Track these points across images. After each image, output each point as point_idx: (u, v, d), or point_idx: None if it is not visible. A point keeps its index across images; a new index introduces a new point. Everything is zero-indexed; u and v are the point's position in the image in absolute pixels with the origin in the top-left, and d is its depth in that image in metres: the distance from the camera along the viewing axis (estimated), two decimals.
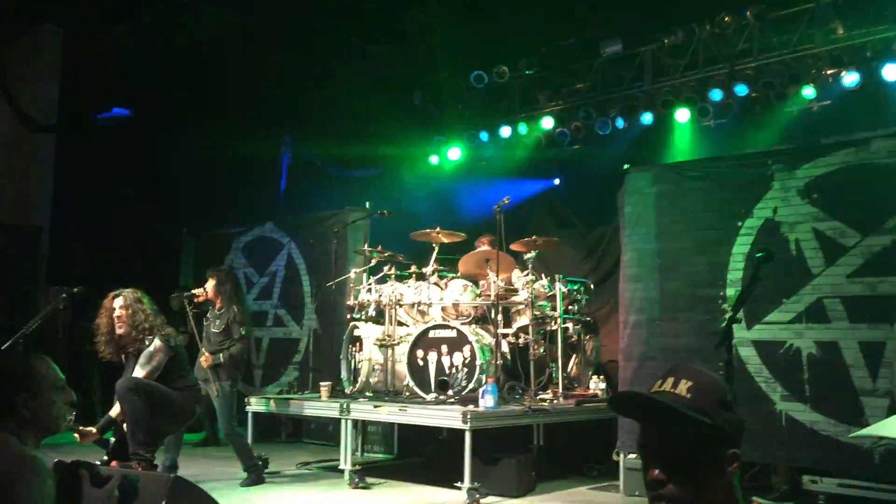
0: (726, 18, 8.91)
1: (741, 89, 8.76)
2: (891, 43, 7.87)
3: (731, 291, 6.17)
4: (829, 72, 8.38)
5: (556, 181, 10.56)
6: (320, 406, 7.35)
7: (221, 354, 6.78)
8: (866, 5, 8.09)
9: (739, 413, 1.76)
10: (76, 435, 5.53)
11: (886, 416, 5.33)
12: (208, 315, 7.08)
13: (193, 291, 7.14)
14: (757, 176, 6.21)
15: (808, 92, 8.48)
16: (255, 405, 7.72)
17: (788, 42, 8.58)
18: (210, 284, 7.03)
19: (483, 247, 8.05)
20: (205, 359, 6.81)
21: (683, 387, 1.73)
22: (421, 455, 8.21)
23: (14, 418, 2.49)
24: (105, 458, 5.58)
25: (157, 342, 5.74)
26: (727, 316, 3.71)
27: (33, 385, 2.54)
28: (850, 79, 8.14)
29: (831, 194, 5.83)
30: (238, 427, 7.15)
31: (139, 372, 5.68)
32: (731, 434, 1.71)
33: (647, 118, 9.55)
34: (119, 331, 5.75)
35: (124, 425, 5.61)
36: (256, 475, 6.79)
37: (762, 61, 8.74)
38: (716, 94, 8.92)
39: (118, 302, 5.79)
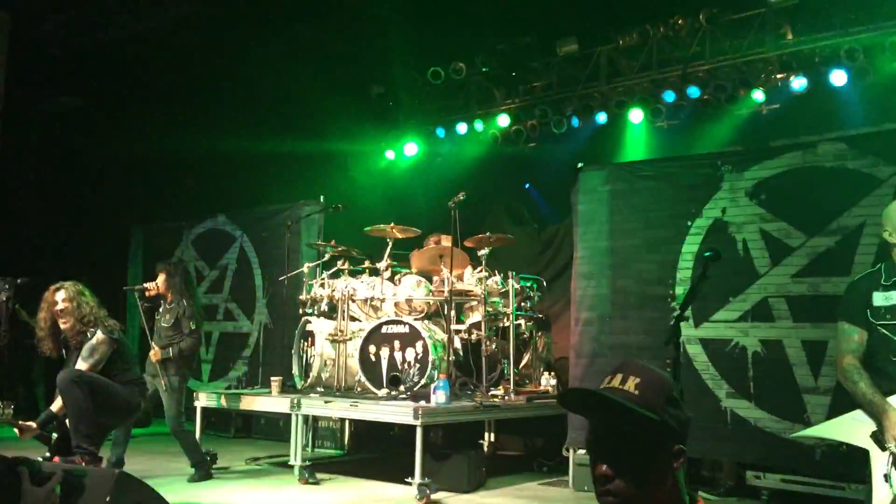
0: (679, 21, 9.04)
1: (693, 91, 8.89)
2: (838, 49, 8.05)
3: (679, 290, 6.28)
4: (778, 76, 8.56)
5: (527, 185, 10.58)
6: (271, 401, 7.28)
7: (171, 349, 6.67)
8: (815, 13, 8.27)
9: (686, 409, 1.78)
10: (16, 430, 5.39)
11: (828, 413, 5.47)
12: (159, 309, 6.96)
13: (144, 285, 7.02)
14: (707, 176, 6.32)
15: (758, 95, 8.64)
16: (204, 400, 7.62)
17: (740, 46, 8.74)
18: (160, 278, 6.91)
19: (433, 244, 8.05)
20: (154, 353, 6.70)
21: (631, 383, 1.75)
22: (371, 451, 8.19)
23: None
24: (47, 453, 5.46)
25: (99, 334, 5.62)
26: (675, 314, 3.76)
27: None
28: (799, 83, 8.32)
29: (778, 196, 5.96)
30: (186, 423, 7.04)
31: (81, 364, 5.55)
32: (677, 430, 1.73)
33: (601, 118, 9.64)
34: (63, 325, 5.62)
35: (66, 420, 5.48)
36: (204, 471, 6.70)
37: (714, 64, 8.89)
38: (669, 96, 9.03)
39: (60, 295, 5.65)
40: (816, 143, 6.02)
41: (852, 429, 3.42)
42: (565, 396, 1.81)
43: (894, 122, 7.21)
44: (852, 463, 5.29)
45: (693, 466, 6.24)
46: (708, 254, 3.84)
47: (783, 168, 5.98)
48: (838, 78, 8.08)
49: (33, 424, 5.46)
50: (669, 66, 9.20)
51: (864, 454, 3.33)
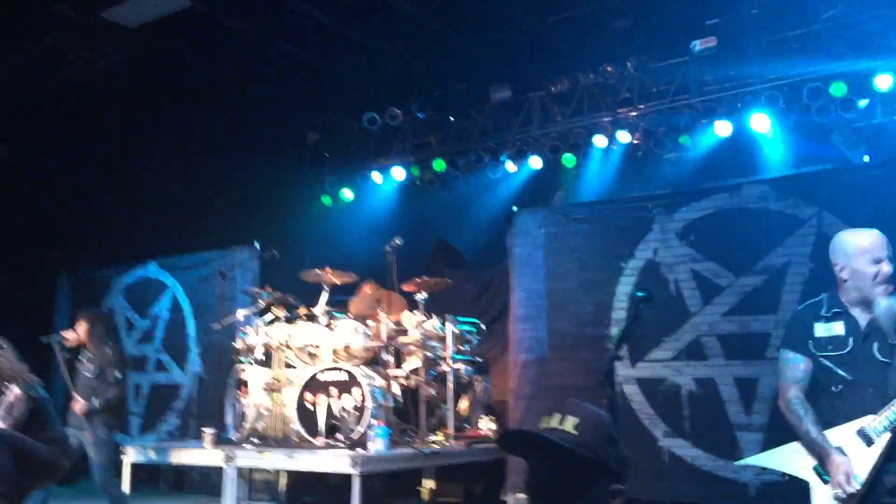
0: (608, 69, 9.32)
1: (623, 136, 9.13)
2: (758, 96, 8.39)
3: (615, 331, 6.35)
4: (703, 121, 8.86)
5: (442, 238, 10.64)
6: (203, 454, 7.05)
7: (97, 400, 6.40)
8: (736, 60, 8.61)
9: (624, 449, 1.78)
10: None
11: (760, 449, 5.55)
12: (81, 358, 6.69)
13: (63, 334, 6.72)
14: (638, 218, 6.46)
15: (685, 139, 8.91)
16: (133, 455, 7.33)
17: (666, 92, 9.03)
18: (82, 327, 6.63)
19: (369, 290, 7.98)
20: (78, 405, 6.40)
21: (570, 423, 1.74)
22: (309, 502, 7.98)
23: None
24: None
25: (16, 390, 5.35)
26: (609, 355, 3.79)
27: None
28: (723, 128, 8.61)
29: (706, 236, 6.13)
30: (115, 478, 6.75)
31: None
32: (616, 470, 1.73)
33: (535, 162, 9.80)
34: None
35: None
36: None
37: (642, 111, 9.16)
38: (599, 141, 9.25)
39: None
40: (741, 185, 6.23)
41: (794, 460, 3.44)
42: (504, 438, 1.79)
43: (816, 164, 7.49)
44: (789, 498, 5.41)
45: None
46: (640, 294, 3.92)
47: (710, 210, 6.16)
48: (760, 122, 8.39)
49: None
50: (600, 111, 9.44)
51: (804, 486, 3.37)
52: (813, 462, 3.39)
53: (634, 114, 9.22)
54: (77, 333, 6.64)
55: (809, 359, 3.50)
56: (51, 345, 6.71)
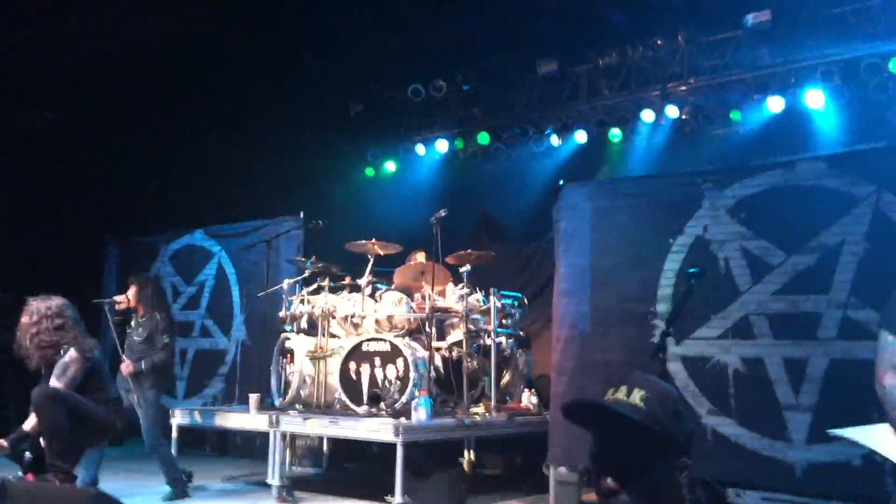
0: (658, 42, 9.16)
1: (672, 111, 8.99)
2: (813, 71, 8.19)
3: (661, 307, 6.28)
4: (755, 96, 8.68)
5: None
6: (248, 419, 7.18)
7: (143, 362, 6.54)
8: (790, 35, 8.41)
9: (690, 424, 1.77)
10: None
11: (809, 431, 5.50)
12: (131, 323, 6.84)
13: (115, 298, 6.89)
14: (688, 194, 6.35)
15: (736, 115, 8.75)
16: (179, 417, 7.49)
17: (717, 67, 8.86)
18: (131, 291, 6.81)
19: (416, 261, 8.02)
20: (125, 366, 6.56)
21: (637, 395, 1.73)
22: (350, 469, 8.10)
23: None
24: (20, 472, 5.33)
25: (72, 353, 5.50)
26: (659, 331, 3.75)
27: None
28: (776, 104, 8.43)
29: (759, 214, 6.01)
30: (162, 439, 6.90)
31: (55, 384, 5.44)
32: (682, 443, 1.72)
33: (581, 136, 9.70)
34: (23, 341, 5.52)
35: (40, 438, 5.36)
36: (180, 489, 6.58)
37: (692, 84, 9.00)
38: (647, 115, 9.12)
39: (24, 311, 5.57)
40: (796, 161, 6.09)
41: (887, 440, 3.28)
42: (569, 407, 1.79)
43: (870, 141, 7.30)
44: (836, 480, 5.36)
45: None
46: (693, 270, 3.86)
47: (763, 186, 6.04)
48: (814, 98, 8.21)
49: (3, 443, 5.33)
50: (649, 85, 9.30)
51: (852, 469, 3.31)
52: None
53: (684, 88, 9.07)
54: (128, 297, 6.79)
55: None
56: (103, 307, 6.88)
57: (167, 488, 6.56)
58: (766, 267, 5.92)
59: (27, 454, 5.41)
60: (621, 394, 1.76)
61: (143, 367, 6.53)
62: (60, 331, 5.57)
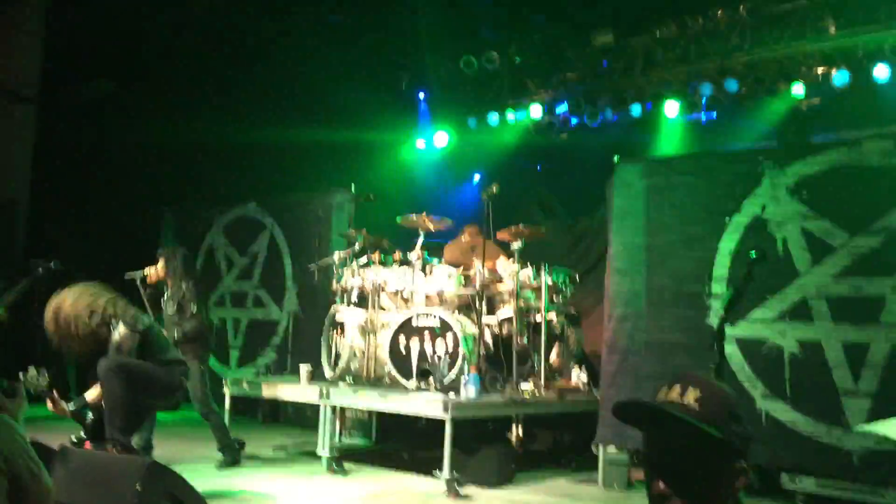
0: (719, 13, 8.90)
1: (731, 84, 8.75)
2: (882, 44, 7.88)
3: (717, 288, 6.15)
4: (819, 70, 8.39)
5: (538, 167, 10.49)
6: (300, 390, 7.27)
7: (175, 332, 6.56)
8: (858, 6, 8.09)
9: (748, 426, 1.71)
10: (48, 401, 5.38)
11: (867, 417, 5.35)
12: (165, 296, 6.86)
13: (143, 271, 6.87)
14: (747, 173, 6.18)
15: (798, 90, 8.48)
16: (232, 387, 7.63)
17: (780, 38, 8.58)
18: (160, 264, 6.82)
19: (467, 236, 7.98)
20: None
21: (691, 396, 1.68)
22: (399, 442, 8.17)
23: None
24: (82, 433, 5.48)
25: (121, 329, 5.56)
26: (719, 315, 3.67)
27: None
28: (841, 78, 8.14)
29: (821, 193, 5.82)
30: (212, 406, 7.01)
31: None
32: (739, 448, 1.66)
33: (636, 110, 9.51)
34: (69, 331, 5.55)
35: (102, 406, 5.49)
36: (232, 456, 6.71)
37: (753, 57, 8.74)
38: (706, 89, 8.90)
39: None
40: (862, 139, 5.86)
41: None
42: (621, 408, 1.74)
43: None
44: (893, 469, 5.22)
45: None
46: (754, 254, 3.75)
47: (827, 165, 5.84)
48: (882, 73, 7.90)
49: (66, 408, 5.48)
50: (707, 58, 9.05)
51: None
52: None
53: (745, 60, 8.81)
54: (157, 270, 6.84)
55: None
56: (135, 281, 6.92)
57: (220, 455, 6.70)
58: (827, 248, 5.74)
59: (90, 415, 5.55)
60: (675, 393, 1.70)
61: (175, 335, 6.54)
62: (109, 304, 5.61)
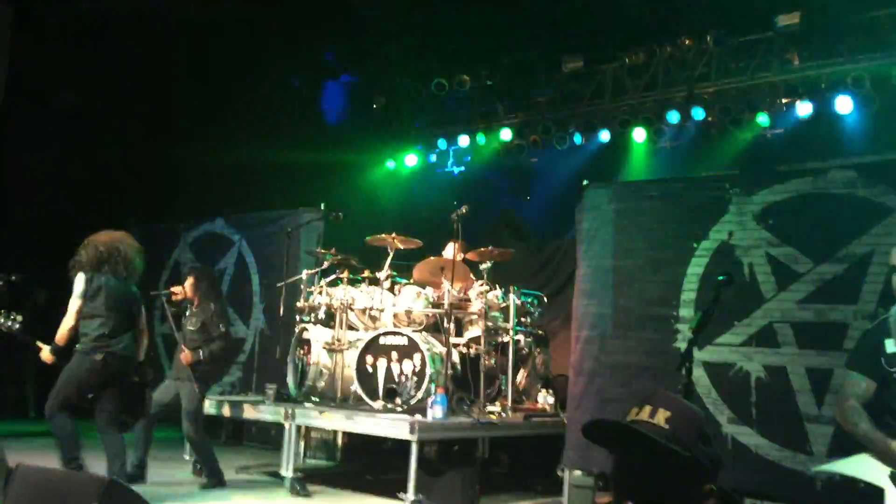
0: (687, 41, 9.04)
1: (698, 112, 8.88)
2: (844, 76, 8.05)
3: (684, 312, 6.20)
4: (784, 101, 8.55)
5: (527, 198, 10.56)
6: (265, 410, 7.17)
7: (201, 351, 6.61)
8: (821, 39, 8.27)
9: (717, 448, 1.71)
10: (40, 346, 5.65)
11: (830, 444, 5.41)
12: (186, 313, 6.92)
13: (171, 290, 7.03)
14: (714, 199, 6.27)
15: (763, 119, 8.63)
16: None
17: (746, 69, 8.74)
18: (188, 283, 6.91)
19: (450, 251, 7.91)
20: (185, 355, 6.61)
21: (661, 416, 1.67)
22: (363, 463, 8.08)
23: None
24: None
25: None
26: (687, 338, 3.70)
27: None
28: (804, 109, 8.31)
29: (786, 221, 5.91)
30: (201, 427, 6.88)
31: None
32: (709, 468, 1.66)
33: (604, 136, 9.61)
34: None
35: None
36: (218, 478, 6.66)
37: (720, 86, 8.89)
38: (673, 116, 9.01)
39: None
40: (827, 169, 5.97)
41: (868, 467, 3.36)
42: (591, 428, 1.74)
43: None
44: (856, 495, 5.26)
45: None
46: (722, 278, 3.79)
47: (792, 193, 5.94)
48: (844, 105, 8.07)
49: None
50: (675, 86, 9.19)
51: (878, 493, 3.27)
52: (888, 469, 3.30)
53: (711, 90, 8.96)
54: (184, 289, 6.90)
55: (873, 380, 3.49)
56: (159, 299, 6.98)
57: (187, 475, 6.61)
58: (793, 274, 5.82)
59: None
60: (644, 414, 1.70)
61: (201, 355, 6.60)
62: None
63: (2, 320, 5.63)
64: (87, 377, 5.62)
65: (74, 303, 5.67)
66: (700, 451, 1.65)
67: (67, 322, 5.66)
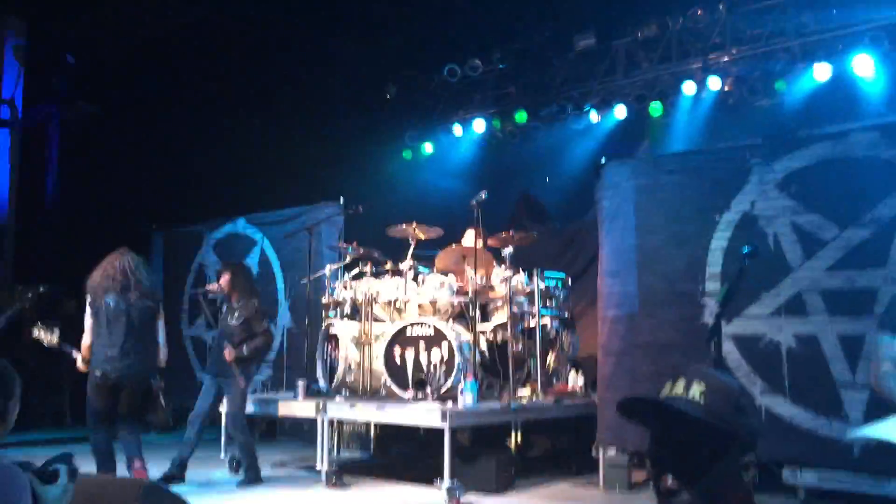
0: (699, 12, 8.94)
1: (714, 83, 8.79)
2: (861, 37, 7.92)
3: (710, 286, 6.15)
4: (801, 65, 8.43)
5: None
6: (296, 406, 7.22)
7: (245, 347, 6.63)
8: (835, 1, 8.14)
9: (754, 418, 1.70)
10: (75, 355, 6.02)
11: (866, 409, 5.35)
12: (222, 309, 6.98)
13: (208, 287, 7.09)
14: (735, 170, 6.19)
15: (781, 85, 8.51)
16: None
17: (760, 36, 8.63)
18: (224, 279, 6.89)
19: (470, 238, 7.90)
20: (228, 352, 6.59)
21: (696, 390, 1.66)
22: (398, 453, 8.12)
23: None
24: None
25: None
26: (714, 312, 3.67)
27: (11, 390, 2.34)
28: (822, 72, 8.19)
29: (809, 187, 5.83)
30: (208, 428, 6.96)
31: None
32: (747, 440, 1.65)
33: (620, 112, 9.54)
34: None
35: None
36: (254, 474, 6.71)
37: (735, 55, 8.78)
38: (689, 88, 8.93)
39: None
40: (848, 131, 5.88)
41: None
42: (626, 406, 1.73)
43: None
44: (893, 458, 5.21)
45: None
46: (746, 250, 3.75)
47: (814, 159, 5.85)
48: (862, 65, 7.94)
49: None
50: (689, 58, 9.10)
51: None
52: None
53: (726, 59, 8.86)
54: (220, 285, 6.93)
55: None
56: (198, 297, 7.03)
57: (223, 474, 6.68)
58: (819, 242, 5.75)
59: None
60: (679, 388, 1.68)
61: (244, 351, 6.63)
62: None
63: (43, 335, 5.85)
64: (94, 391, 6.12)
65: (87, 321, 6.20)
66: (737, 423, 1.64)
67: (85, 339, 6.20)
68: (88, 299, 6.19)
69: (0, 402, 2.28)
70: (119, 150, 10.97)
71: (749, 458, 1.65)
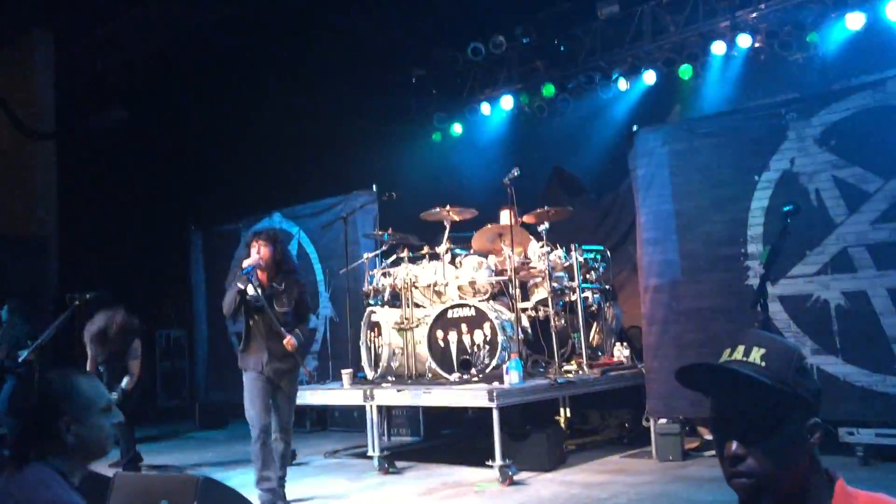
0: None
1: (744, 40, 8.60)
2: None
3: (753, 248, 6.05)
4: (832, 15, 8.21)
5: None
6: (344, 394, 7.28)
7: (300, 331, 5.71)
8: None
9: (816, 380, 1.66)
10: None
11: None
12: (264, 295, 5.63)
13: (243, 263, 5.70)
14: (771, 127, 6.07)
15: (813, 37, 8.31)
16: None
17: None
18: (264, 250, 5.65)
19: (505, 217, 7.83)
20: (288, 340, 5.57)
21: (756, 354, 1.62)
22: (447, 435, 8.16)
23: (57, 446, 2.17)
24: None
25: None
26: (759, 274, 3.60)
27: (77, 407, 2.19)
28: (855, 20, 7.97)
29: (849, 140, 5.70)
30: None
31: None
32: (811, 402, 1.61)
33: (649, 78, 9.40)
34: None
35: None
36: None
37: (763, 10, 8.58)
38: (718, 48, 8.76)
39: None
40: (885, 80, 5.72)
41: None
42: (684, 372, 1.69)
43: None
44: None
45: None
46: (788, 208, 3.68)
47: (852, 110, 5.71)
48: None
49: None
50: (716, 16, 8.91)
51: None
52: None
53: (755, 15, 8.66)
54: (261, 257, 5.65)
55: None
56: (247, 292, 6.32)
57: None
58: (863, 195, 5.62)
59: None
60: (738, 354, 1.64)
61: (301, 338, 5.72)
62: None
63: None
64: None
65: None
66: (801, 386, 1.60)
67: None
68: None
69: (51, 421, 2.17)
70: (153, 155, 11.09)
71: (814, 420, 1.61)
